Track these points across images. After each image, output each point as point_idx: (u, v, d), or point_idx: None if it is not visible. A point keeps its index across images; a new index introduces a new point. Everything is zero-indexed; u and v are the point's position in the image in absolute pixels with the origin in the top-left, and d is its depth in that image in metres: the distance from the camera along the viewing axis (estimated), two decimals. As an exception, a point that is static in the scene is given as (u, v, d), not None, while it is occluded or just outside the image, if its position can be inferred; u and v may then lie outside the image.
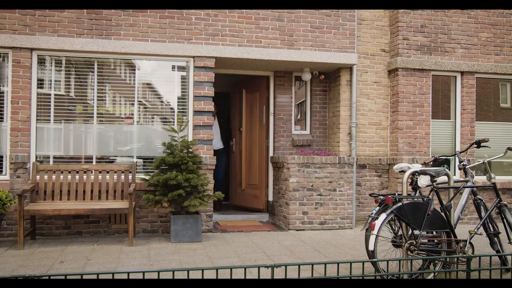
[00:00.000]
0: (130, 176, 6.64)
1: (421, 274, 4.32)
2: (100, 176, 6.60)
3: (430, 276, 4.33)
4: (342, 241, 6.40)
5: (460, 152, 5.37)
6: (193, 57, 6.96)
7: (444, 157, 5.50)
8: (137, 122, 7.07)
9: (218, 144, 8.62)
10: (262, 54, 7.16)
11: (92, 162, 6.85)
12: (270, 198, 8.13)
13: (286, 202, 7.25)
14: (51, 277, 2.69)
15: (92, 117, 6.89)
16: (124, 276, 4.21)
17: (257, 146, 8.20)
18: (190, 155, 6.37)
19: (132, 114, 7.06)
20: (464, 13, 8.09)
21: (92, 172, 6.57)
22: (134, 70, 7.10)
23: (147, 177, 6.45)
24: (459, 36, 8.06)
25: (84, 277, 2.80)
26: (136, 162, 6.95)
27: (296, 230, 7.11)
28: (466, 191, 4.98)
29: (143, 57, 6.93)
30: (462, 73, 8.10)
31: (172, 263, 5.11)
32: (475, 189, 5.00)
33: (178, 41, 6.89)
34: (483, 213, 4.88)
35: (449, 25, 8.03)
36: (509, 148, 5.11)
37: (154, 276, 4.16)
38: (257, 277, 2.95)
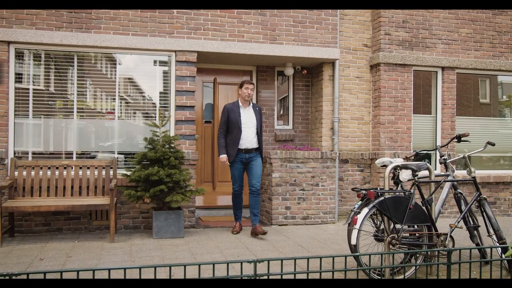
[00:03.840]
0: (111, 172, 6.56)
1: (402, 267, 4.35)
2: (80, 172, 6.50)
3: (412, 270, 4.36)
4: (325, 236, 6.42)
5: (441, 147, 5.42)
6: (175, 51, 6.89)
7: (425, 152, 5.56)
8: (118, 117, 6.98)
9: (253, 140, 6.45)
10: (245, 48, 7.12)
11: (72, 158, 6.75)
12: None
13: (268, 197, 7.25)
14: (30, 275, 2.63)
15: (72, 112, 6.78)
16: (105, 273, 4.16)
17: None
18: (172, 150, 6.32)
19: (114, 109, 6.97)
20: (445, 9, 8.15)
21: (72, 168, 6.47)
22: (115, 64, 7.00)
23: (128, 173, 6.38)
24: (440, 31, 8.13)
25: (64, 274, 2.75)
26: (118, 158, 6.88)
27: (279, 225, 7.11)
28: (447, 185, 5.03)
29: (124, 51, 6.84)
30: (443, 68, 8.18)
31: (154, 259, 5.07)
32: (455, 183, 5.05)
33: (160, 35, 6.81)
34: (463, 207, 4.93)
35: (430, 20, 8.09)
36: (488, 143, 5.18)
37: (135, 272, 4.12)
38: (239, 273, 2.93)
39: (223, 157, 6.42)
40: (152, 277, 2.84)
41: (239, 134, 6.33)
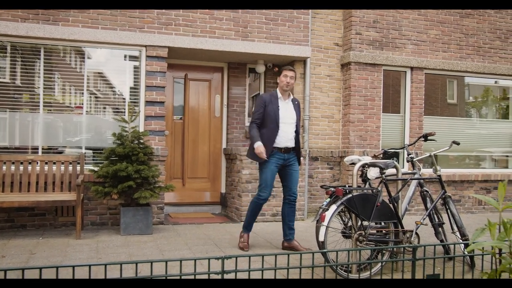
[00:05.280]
0: (78, 167, 6.43)
1: (369, 264, 4.41)
2: (46, 167, 6.35)
3: (378, 266, 4.42)
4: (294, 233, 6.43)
5: (408, 145, 5.51)
6: (145, 46, 6.81)
7: (393, 150, 5.64)
8: (86, 112, 6.85)
9: (292, 139, 5.44)
10: (216, 45, 7.08)
11: (38, 153, 6.59)
12: (223, 190, 8.09)
13: (238, 194, 7.24)
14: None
15: (39, 106, 6.62)
16: (70, 270, 4.08)
17: (208, 137, 8.10)
18: (141, 146, 6.24)
19: (82, 104, 6.84)
20: (415, 10, 8.29)
21: (37, 163, 6.31)
22: (84, 58, 6.87)
23: (96, 168, 6.27)
24: (409, 32, 8.26)
25: (26, 272, 2.68)
26: (85, 153, 6.75)
27: (249, 222, 7.11)
28: (414, 183, 5.12)
29: (93, 45, 6.71)
30: (411, 68, 8.31)
31: (121, 256, 5.00)
32: (421, 181, 5.14)
33: (130, 30, 6.71)
34: (429, 204, 5.03)
35: (400, 21, 8.21)
36: (454, 142, 5.29)
37: (101, 269, 4.05)
38: (207, 270, 2.92)
39: (260, 146, 5.21)
40: (118, 274, 2.80)
41: (277, 130, 5.32)
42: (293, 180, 5.49)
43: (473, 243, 2.62)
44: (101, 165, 6.24)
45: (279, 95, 5.44)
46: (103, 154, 6.29)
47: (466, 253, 4.37)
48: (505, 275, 2.79)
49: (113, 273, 3.98)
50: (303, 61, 7.82)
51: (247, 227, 5.54)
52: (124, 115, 6.83)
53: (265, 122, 5.37)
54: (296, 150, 5.48)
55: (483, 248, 3.04)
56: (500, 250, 2.88)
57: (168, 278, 2.75)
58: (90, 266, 2.77)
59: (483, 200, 2.72)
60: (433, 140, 5.48)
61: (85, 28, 6.52)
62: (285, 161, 5.41)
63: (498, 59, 8.86)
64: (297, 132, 5.49)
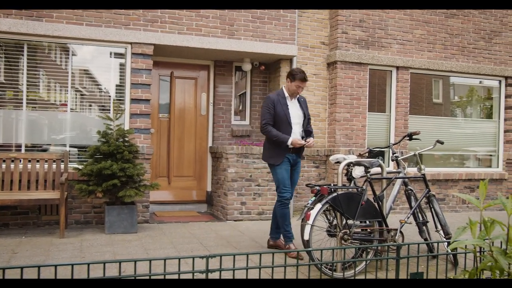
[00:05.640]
0: (62, 166, 6.36)
1: (353, 262, 4.43)
2: (29, 165, 6.27)
3: (362, 264, 4.45)
4: (280, 231, 6.44)
5: (393, 144, 5.54)
6: (131, 43, 6.75)
7: (378, 149, 5.67)
8: (71, 109, 6.78)
9: (300, 138, 5.36)
10: (202, 42, 7.05)
11: (21, 150, 6.51)
12: (209, 189, 8.07)
13: (224, 192, 7.23)
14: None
15: (22, 103, 6.53)
16: (52, 270, 4.04)
17: (193, 136, 8.07)
18: (126, 144, 6.20)
19: (67, 101, 6.77)
20: (401, 10, 8.33)
21: (20, 161, 6.23)
22: (68, 55, 6.79)
23: (80, 167, 6.20)
24: (395, 32, 8.31)
25: (7, 271, 2.64)
26: (70, 151, 6.68)
27: (234, 220, 7.10)
28: (398, 182, 5.15)
29: (78, 42, 6.63)
30: (397, 68, 8.36)
31: (105, 255, 4.96)
32: (406, 180, 5.18)
33: (115, 26, 6.65)
34: (413, 203, 5.07)
35: (386, 21, 8.25)
36: (438, 141, 5.34)
37: (84, 269, 4.01)
38: (191, 269, 2.90)
39: (293, 139, 5.17)
40: (102, 273, 2.77)
41: (289, 130, 5.24)
42: (293, 182, 5.45)
43: (455, 241, 2.65)
44: (85, 163, 6.18)
45: (286, 94, 5.38)
46: (88, 152, 6.23)
47: (449, 251, 4.41)
48: (486, 273, 2.82)
49: (96, 273, 3.94)
50: (290, 59, 7.82)
51: (288, 236, 5.31)
52: (109, 112, 6.77)
53: (275, 123, 5.27)
54: (301, 149, 5.40)
55: (465, 246, 3.07)
56: (481, 248, 2.91)
57: (152, 277, 2.73)
58: (72, 265, 2.73)
59: (465, 199, 2.75)
60: (418, 139, 5.52)
61: (70, 24, 6.45)
62: (293, 161, 5.35)
63: (482, 59, 8.95)
64: (308, 129, 5.47)
